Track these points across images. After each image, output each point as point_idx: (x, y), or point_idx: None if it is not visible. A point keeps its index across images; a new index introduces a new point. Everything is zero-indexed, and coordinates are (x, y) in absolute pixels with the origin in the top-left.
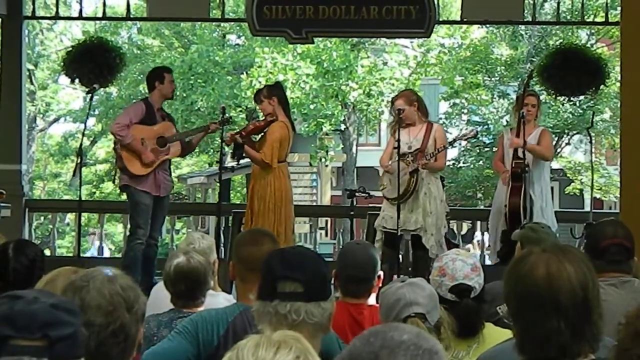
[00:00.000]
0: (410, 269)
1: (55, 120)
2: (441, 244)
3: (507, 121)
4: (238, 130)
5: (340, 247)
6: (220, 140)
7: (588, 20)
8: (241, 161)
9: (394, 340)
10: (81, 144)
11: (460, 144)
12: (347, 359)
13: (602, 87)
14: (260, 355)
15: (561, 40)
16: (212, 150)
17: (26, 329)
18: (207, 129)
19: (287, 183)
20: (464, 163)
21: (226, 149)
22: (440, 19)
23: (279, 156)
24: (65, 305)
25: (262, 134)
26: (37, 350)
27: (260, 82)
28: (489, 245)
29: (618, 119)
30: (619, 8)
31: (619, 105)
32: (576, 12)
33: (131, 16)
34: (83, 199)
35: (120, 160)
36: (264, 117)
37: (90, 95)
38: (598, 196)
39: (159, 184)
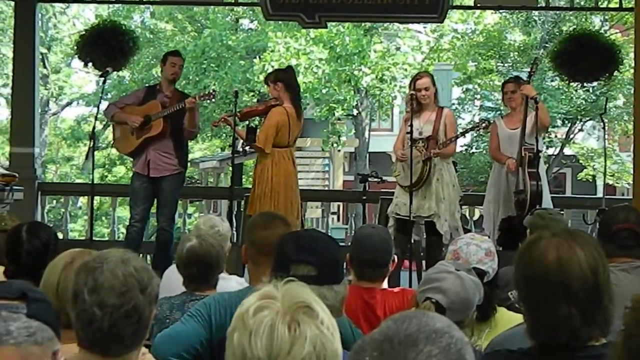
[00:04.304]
0: (422, 254)
1: (68, 104)
2: (457, 229)
3: None
4: (232, 112)
5: (353, 232)
6: (232, 125)
7: (602, 6)
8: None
9: (429, 326)
10: (94, 128)
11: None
12: (380, 339)
13: (615, 73)
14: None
15: (575, 26)
16: (224, 135)
17: (5, 291)
18: (184, 105)
19: (288, 169)
20: (476, 149)
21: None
22: (454, 4)
23: (278, 142)
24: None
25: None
26: (15, 308)
27: (272, 67)
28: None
29: (631, 106)
30: None
31: (632, 91)
32: None
33: (144, 0)
34: (95, 182)
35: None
36: (267, 100)
37: (103, 78)
38: (610, 182)
39: (148, 164)
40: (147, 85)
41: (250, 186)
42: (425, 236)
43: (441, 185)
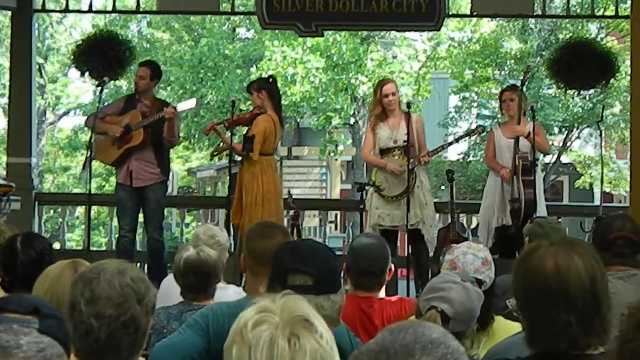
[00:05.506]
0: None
1: (65, 113)
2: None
3: None
4: (221, 120)
5: (350, 240)
6: (229, 134)
7: (598, 13)
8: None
9: (425, 336)
10: (91, 138)
11: (469, 139)
12: (376, 349)
13: (612, 80)
14: (276, 352)
15: (571, 34)
16: (221, 144)
17: (18, 305)
18: (163, 115)
19: (274, 176)
20: (473, 157)
21: (235, 141)
22: (450, 13)
23: (265, 149)
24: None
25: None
26: (27, 322)
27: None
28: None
29: (628, 113)
30: (629, 1)
31: (628, 99)
32: (586, 6)
33: (141, 9)
34: (92, 192)
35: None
36: (251, 109)
37: (100, 88)
38: (608, 190)
39: (131, 174)
40: (127, 94)
41: None
42: (412, 244)
43: (422, 192)
